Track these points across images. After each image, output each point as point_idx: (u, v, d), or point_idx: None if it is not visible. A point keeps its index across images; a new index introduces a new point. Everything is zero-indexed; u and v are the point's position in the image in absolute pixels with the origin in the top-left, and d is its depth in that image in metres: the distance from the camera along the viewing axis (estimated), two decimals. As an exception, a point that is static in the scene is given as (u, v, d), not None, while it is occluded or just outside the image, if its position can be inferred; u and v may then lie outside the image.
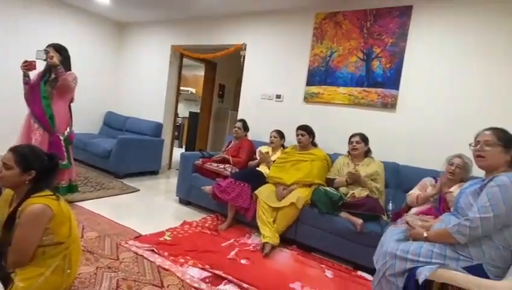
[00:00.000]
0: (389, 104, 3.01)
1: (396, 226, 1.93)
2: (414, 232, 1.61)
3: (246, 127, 3.52)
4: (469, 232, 1.37)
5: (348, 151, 2.84)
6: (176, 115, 5.21)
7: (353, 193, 2.59)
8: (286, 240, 2.68)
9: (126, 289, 1.76)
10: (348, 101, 3.24)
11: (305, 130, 2.98)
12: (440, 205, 2.14)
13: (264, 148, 3.32)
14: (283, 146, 3.33)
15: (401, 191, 2.64)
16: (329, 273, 2.27)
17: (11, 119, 3.08)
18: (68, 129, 2.88)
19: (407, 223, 1.69)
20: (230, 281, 1.98)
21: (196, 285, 1.90)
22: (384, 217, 2.46)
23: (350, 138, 2.81)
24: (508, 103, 2.51)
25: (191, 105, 8.26)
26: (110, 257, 2.09)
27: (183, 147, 7.53)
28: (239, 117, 3.84)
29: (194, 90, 7.98)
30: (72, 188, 2.95)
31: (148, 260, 2.12)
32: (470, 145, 1.59)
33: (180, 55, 4.85)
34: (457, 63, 2.72)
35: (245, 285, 1.94)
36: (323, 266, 2.38)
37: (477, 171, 1.82)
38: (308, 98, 3.46)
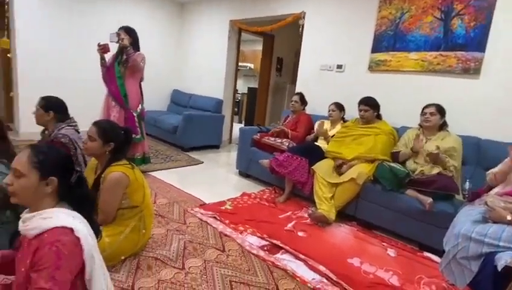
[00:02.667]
0: (471, 70, 2.60)
1: (473, 207, 1.73)
2: (495, 214, 1.42)
3: (303, 101, 3.42)
4: None
5: (420, 124, 2.58)
6: (235, 91, 5.32)
7: (422, 170, 2.37)
8: (345, 216, 2.62)
9: (192, 251, 1.94)
10: (420, 68, 2.90)
11: (368, 104, 2.76)
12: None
13: (322, 123, 3.21)
14: (343, 119, 3.17)
15: (482, 169, 2.32)
16: (391, 252, 2.16)
17: (93, 98, 3.48)
18: (140, 106, 3.16)
19: (486, 204, 1.50)
20: (287, 251, 2.04)
21: (255, 252, 2.00)
22: (459, 197, 2.22)
23: (423, 109, 2.53)
24: None
25: (250, 81, 8.32)
26: (178, 221, 2.31)
27: (243, 122, 7.72)
28: (297, 90, 3.75)
29: (252, 66, 7.99)
30: (145, 160, 3.28)
31: (211, 226, 2.29)
32: None
33: (239, 30, 4.85)
34: None
35: (301, 256, 1.97)
36: (384, 244, 2.28)
37: None
38: (373, 67, 3.19)
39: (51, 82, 3.99)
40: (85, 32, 4.30)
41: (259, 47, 6.35)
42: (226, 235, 2.18)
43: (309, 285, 1.74)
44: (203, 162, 4.00)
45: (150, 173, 3.30)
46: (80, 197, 1.08)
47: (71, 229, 0.95)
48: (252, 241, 2.13)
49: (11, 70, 4.17)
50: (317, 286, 1.73)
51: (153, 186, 2.88)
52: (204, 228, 2.26)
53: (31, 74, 3.98)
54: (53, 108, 2.10)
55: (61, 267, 0.90)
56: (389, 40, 3.07)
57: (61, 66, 4.23)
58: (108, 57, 3.00)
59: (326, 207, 2.50)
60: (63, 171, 1.05)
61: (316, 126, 3.20)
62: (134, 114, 3.08)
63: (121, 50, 2.96)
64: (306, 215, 2.64)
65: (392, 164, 2.44)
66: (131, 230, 1.71)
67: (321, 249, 2.09)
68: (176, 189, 2.96)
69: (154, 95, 5.05)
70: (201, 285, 1.63)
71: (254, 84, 7.40)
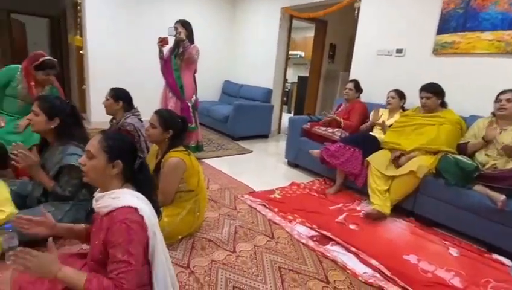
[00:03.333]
0: None
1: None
2: None
3: (358, 88, 3.26)
4: None
5: (493, 113, 2.29)
6: (285, 80, 5.27)
7: (494, 164, 2.12)
8: (402, 210, 2.47)
9: (243, 235, 2.00)
10: (495, 50, 2.55)
11: (431, 91, 2.51)
12: None
13: (378, 110, 3.03)
14: (403, 108, 2.95)
15: None
16: (454, 252, 1.99)
17: (154, 89, 3.71)
18: (194, 97, 3.31)
19: None
20: (337, 243, 1.99)
21: (304, 241, 1.99)
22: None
23: (498, 96, 2.23)
24: None
25: (300, 69, 8.16)
26: (229, 206, 2.40)
27: (292, 112, 7.64)
28: (351, 78, 3.58)
29: (303, 54, 7.81)
30: (198, 148, 3.44)
31: (261, 213, 2.33)
32: None
33: (290, 17, 4.76)
34: None
35: (353, 249, 1.92)
36: (446, 242, 2.10)
37: None
38: (439, 50, 2.90)
39: (117, 76, 4.36)
40: (146, 30, 4.59)
41: (310, 34, 6.17)
42: (275, 223, 2.21)
43: (360, 278, 1.69)
44: (252, 151, 4.07)
45: (203, 160, 3.46)
46: (142, 180, 1.18)
47: (136, 209, 1.05)
48: (301, 230, 2.13)
49: (83, 65, 4.65)
50: (369, 280, 1.67)
51: (205, 172, 3.01)
52: (253, 214, 2.31)
53: (100, 68, 4.39)
54: (121, 98, 2.32)
55: (133, 241, 1.00)
56: (459, 19, 2.75)
57: (125, 61, 4.59)
58: (165, 50, 3.17)
59: (379, 201, 2.38)
60: (128, 156, 1.14)
61: (371, 115, 3.04)
62: (189, 104, 3.24)
63: (177, 43, 3.11)
64: (358, 208, 2.55)
65: (459, 157, 2.22)
66: (188, 212, 1.83)
67: (374, 244, 2.00)
68: (226, 176, 3.07)
69: (206, 86, 5.23)
70: (251, 269, 1.68)
71: (304, 73, 7.24)
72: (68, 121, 1.71)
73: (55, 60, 2.37)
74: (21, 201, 1.72)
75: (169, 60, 3.16)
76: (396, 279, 1.68)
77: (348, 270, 1.74)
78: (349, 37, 5.42)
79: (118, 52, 4.52)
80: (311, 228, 2.16)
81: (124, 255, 0.98)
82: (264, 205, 2.46)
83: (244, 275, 1.62)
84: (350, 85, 3.25)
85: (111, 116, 2.46)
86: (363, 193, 2.70)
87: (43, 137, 1.79)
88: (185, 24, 3.10)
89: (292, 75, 8.01)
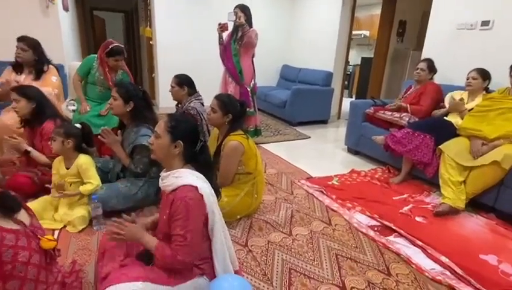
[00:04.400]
0: None
1: None
2: None
3: (432, 68, 2.91)
4: None
5: None
6: (347, 62, 4.99)
7: None
8: (480, 205, 2.20)
9: (299, 219, 2.00)
10: None
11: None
12: None
13: (456, 94, 2.69)
14: (486, 90, 2.57)
15: None
16: (546, 257, 1.71)
17: (215, 75, 3.84)
18: (253, 81, 3.35)
19: None
20: (401, 235, 1.87)
21: (363, 230, 1.91)
22: None
23: None
24: None
25: (364, 50, 7.64)
26: (286, 191, 2.41)
27: (353, 96, 7.25)
28: (423, 57, 3.22)
29: (367, 33, 7.28)
30: (257, 132, 3.50)
31: (318, 199, 2.30)
32: None
33: (354, -6, 4.45)
34: None
35: (419, 242, 1.78)
36: (536, 245, 1.82)
37: None
38: (538, 20, 2.43)
39: (181, 64, 4.59)
40: (208, 19, 4.73)
41: (377, 11, 5.70)
42: (332, 209, 2.16)
43: (427, 274, 1.56)
44: (310, 137, 3.99)
45: (260, 145, 3.51)
46: (202, 162, 1.24)
47: (196, 187, 1.11)
48: (361, 219, 2.04)
49: (153, 55, 5.02)
50: (437, 277, 1.54)
51: (263, 157, 3.05)
52: (310, 200, 2.29)
53: (167, 57, 4.69)
54: (185, 83, 2.46)
55: (191, 217, 1.08)
56: None
57: (189, 49, 4.81)
58: (224, 36, 3.24)
59: (452, 194, 2.14)
60: (189, 138, 1.21)
61: (446, 98, 2.72)
62: (248, 89, 3.29)
63: (236, 28, 3.15)
64: (427, 199, 2.34)
65: (559, 147, 1.87)
66: (246, 194, 1.89)
67: (445, 239, 1.83)
68: (284, 161, 3.07)
69: (264, 71, 5.23)
70: (307, 253, 1.68)
71: (369, 54, 6.78)
72: (141, 104, 1.91)
73: (122, 46, 2.59)
74: (104, 176, 1.97)
75: (229, 46, 3.23)
76: (471, 279, 1.51)
77: (412, 265, 1.63)
78: (422, 11, 4.86)
79: (182, 40, 4.76)
80: (371, 218, 2.06)
81: (181, 229, 1.07)
82: (321, 191, 2.41)
83: (300, 259, 1.63)
84: (422, 65, 2.93)
85: (176, 102, 2.63)
86: (432, 183, 2.47)
87: (121, 120, 2.02)
88: (244, 8, 3.12)
89: (355, 57, 7.56)
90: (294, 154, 3.33)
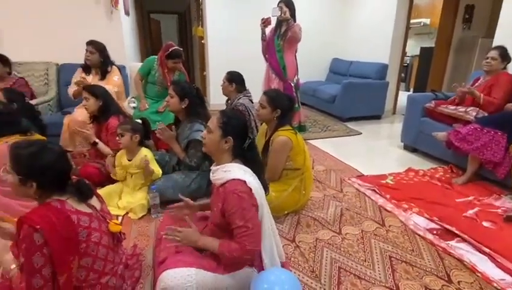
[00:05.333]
0: None
1: None
2: None
3: (505, 57, 2.57)
4: None
5: None
6: (404, 53, 4.64)
7: None
8: None
9: (349, 218, 1.93)
10: None
11: None
12: None
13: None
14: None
15: None
16: None
17: (260, 72, 3.85)
18: (296, 77, 3.31)
19: None
20: (464, 240, 1.71)
21: (421, 233, 1.79)
22: None
23: None
24: None
25: (423, 39, 7.03)
26: (335, 188, 2.35)
27: (410, 90, 6.74)
28: (494, 44, 2.87)
29: (428, 21, 6.68)
30: (301, 128, 3.46)
31: (370, 198, 2.19)
32: None
33: (412, -21, 4.12)
34: None
35: (485, 249, 1.61)
36: None
37: None
38: None
39: (230, 61, 4.67)
40: (255, 17, 4.73)
41: (439, -4, 5.21)
42: (386, 210, 2.05)
43: (495, 285, 1.41)
44: (361, 133, 3.82)
45: (307, 141, 3.45)
46: (250, 158, 1.28)
47: (244, 181, 1.15)
48: (418, 221, 1.90)
49: (204, 53, 5.21)
50: (507, 289, 1.38)
51: (310, 153, 2.99)
52: (361, 198, 2.19)
53: (218, 56, 4.84)
54: (234, 80, 2.53)
55: (246, 208, 1.12)
56: None
57: (238, 47, 4.89)
58: (267, 31, 3.23)
59: (530, 197, 1.89)
60: (239, 134, 1.25)
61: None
62: (292, 84, 3.26)
63: (280, 23, 3.13)
64: (496, 203, 2.10)
65: None
66: (294, 189, 1.88)
67: (518, 248, 1.62)
68: (332, 158, 2.99)
69: (312, 65, 5.13)
70: (358, 253, 1.62)
71: (429, 43, 6.23)
72: (195, 101, 2.02)
73: (181, 49, 2.74)
74: (161, 169, 2.12)
75: (272, 42, 3.22)
76: (552, 296, 1.33)
77: (478, 273, 1.48)
78: (495, -8, 4.33)
79: (231, 38, 4.86)
80: (430, 220, 1.91)
81: (241, 220, 1.11)
82: (374, 190, 2.30)
83: (350, 258, 1.58)
84: (494, 53, 2.60)
85: (226, 98, 2.71)
86: (503, 185, 2.21)
87: (176, 117, 2.15)
88: (288, 3, 3.09)
89: (413, 47, 7.00)
90: (344, 151, 3.21)
